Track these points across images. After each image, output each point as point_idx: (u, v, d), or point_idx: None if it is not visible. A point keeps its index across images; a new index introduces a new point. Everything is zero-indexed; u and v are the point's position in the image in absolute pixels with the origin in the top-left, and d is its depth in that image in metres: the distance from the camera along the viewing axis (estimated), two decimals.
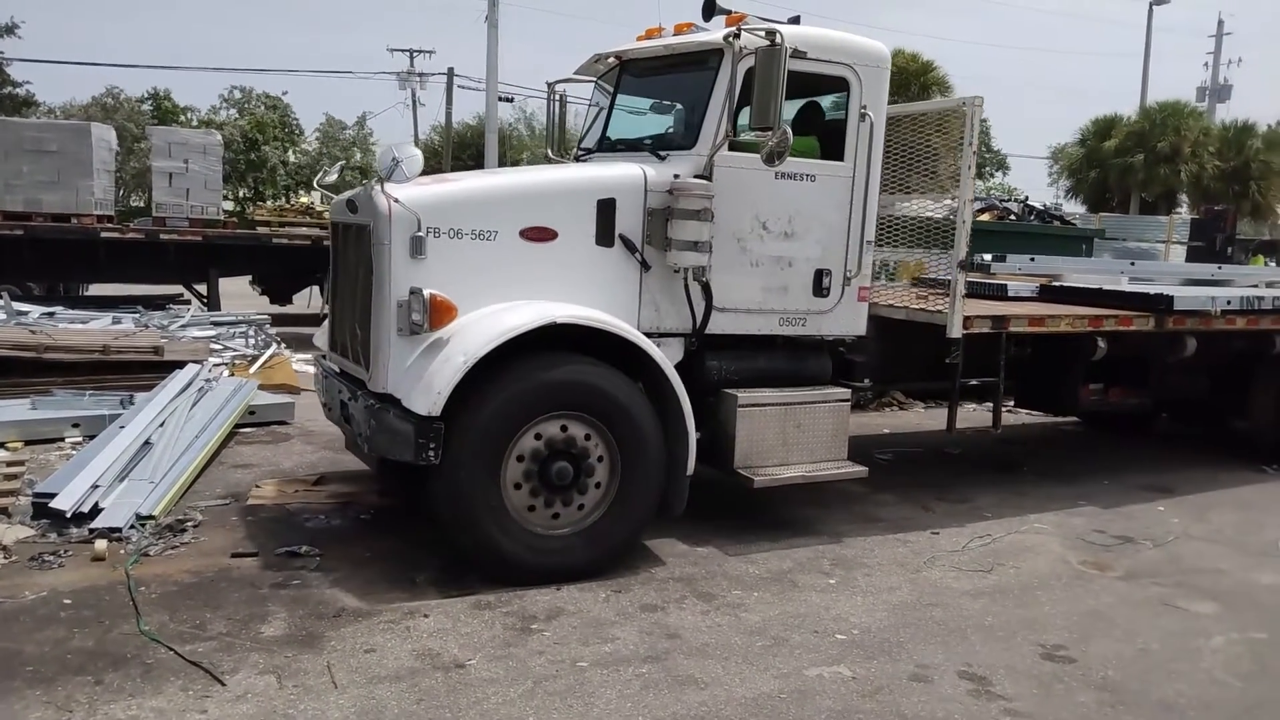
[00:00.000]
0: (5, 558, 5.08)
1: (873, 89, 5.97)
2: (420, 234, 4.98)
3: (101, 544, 5.21)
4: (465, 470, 4.80)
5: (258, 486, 6.57)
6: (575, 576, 5.08)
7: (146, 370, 9.13)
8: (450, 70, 37.78)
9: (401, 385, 4.94)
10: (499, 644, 4.32)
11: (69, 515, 5.54)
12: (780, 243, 5.86)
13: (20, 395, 8.20)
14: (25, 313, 11.46)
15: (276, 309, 15.93)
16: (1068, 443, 9.61)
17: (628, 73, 6.43)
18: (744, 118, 5.54)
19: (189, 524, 5.71)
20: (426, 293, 4.88)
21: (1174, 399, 8.62)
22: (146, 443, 6.73)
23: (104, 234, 13.64)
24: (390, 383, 5.01)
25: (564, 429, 5.06)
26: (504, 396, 4.86)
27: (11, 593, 4.64)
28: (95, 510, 5.65)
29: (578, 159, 6.71)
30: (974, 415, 10.00)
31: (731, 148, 5.58)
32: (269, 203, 27.44)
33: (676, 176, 5.48)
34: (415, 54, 42.45)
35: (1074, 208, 35.25)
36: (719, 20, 5.81)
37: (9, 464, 6.50)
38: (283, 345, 12.28)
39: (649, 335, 5.36)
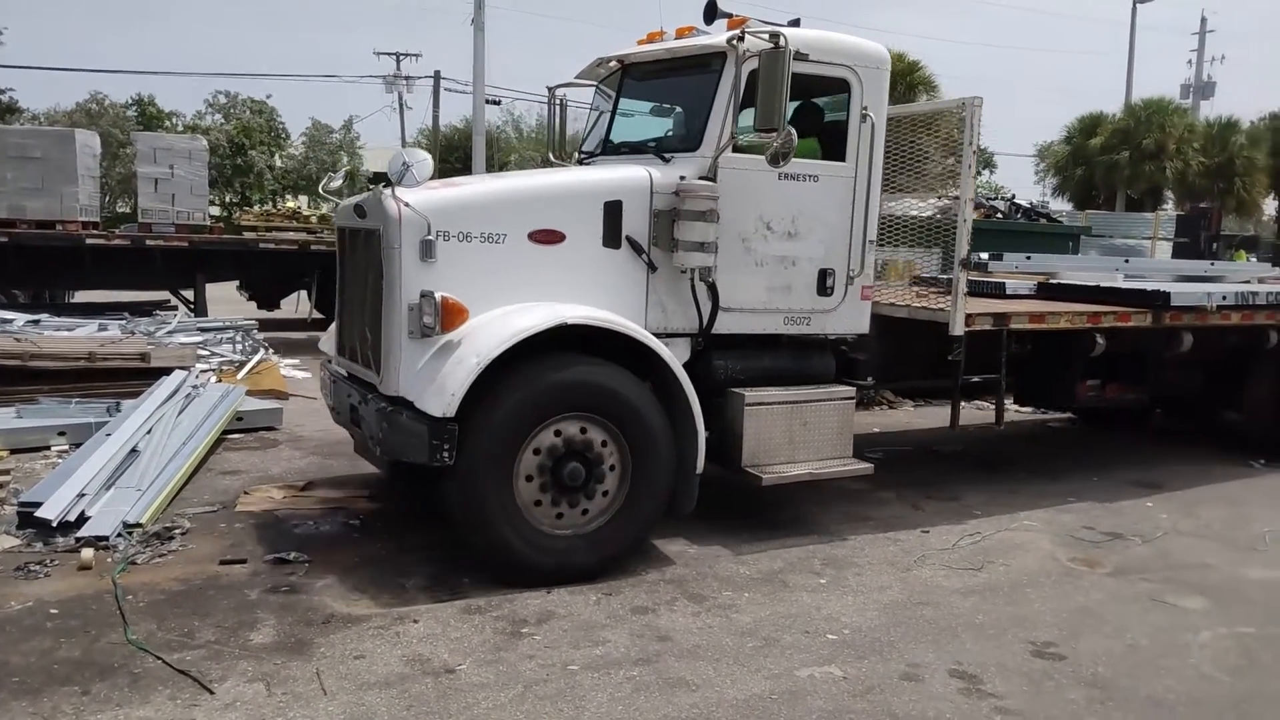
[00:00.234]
0: None
1: (873, 90, 6.04)
2: (430, 238, 5.01)
3: (88, 553, 5.17)
4: (478, 471, 4.84)
5: (246, 493, 6.54)
6: (586, 576, 5.11)
7: (133, 377, 9.08)
8: (437, 73, 37.84)
9: (413, 388, 4.97)
10: (489, 648, 4.31)
11: (55, 524, 5.50)
12: (784, 243, 5.92)
13: (6, 403, 8.15)
14: (10, 320, 11.40)
15: (264, 314, 15.89)
16: (1056, 440, 9.65)
17: (630, 76, 6.48)
18: (745, 119, 5.58)
19: (177, 531, 5.68)
20: (438, 295, 4.92)
21: (1169, 394, 8.68)
22: (133, 450, 6.69)
23: (89, 240, 13.57)
24: (402, 385, 5.04)
25: (576, 430, 5.10)
26: (517, 398, 4.90)
27: None
28: (82, 519, 5.61)
29: (581, 162, 6.74)
30: (973, 414, 10.05)
31: (734, 149, 5.64)
32: (255, 207, 27.29)
33: (682, 178, 5.53)
34: (402, 57, 42.40)
35: (1061, 205, 35.40)
36: (719, 24, 5.87)
37: None
38: (270, 350, 12.26)
39: (656, 335, 5.40)
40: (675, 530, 5.82)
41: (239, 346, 11.80)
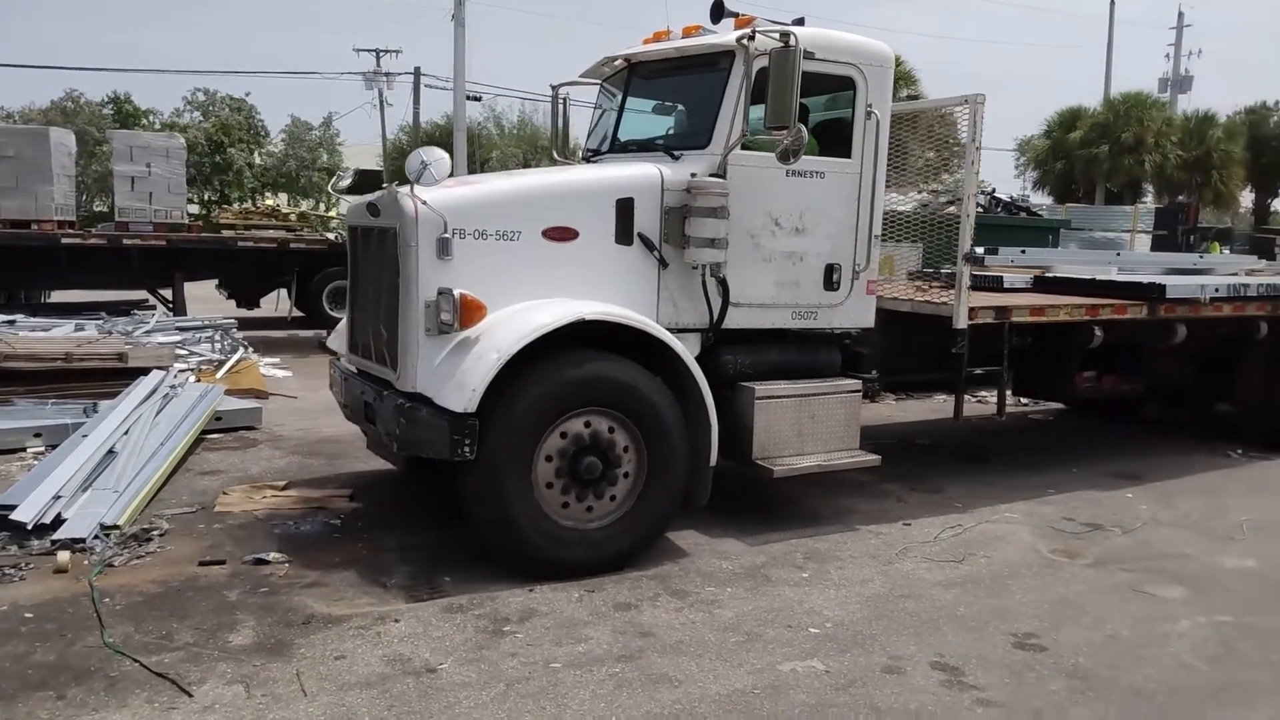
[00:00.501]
0: None
1: (878, 88, 6.12)
2: (447, 235, 5.06)
3: (64, 555, 5.11)
4: (498, 465, 4.88)
5: (225, 493, 6.48)
6: (604, 569, 5.16)
7: (110, 377, 8.99)
8: (417, 69, 37.60)
9: (431, 384, 5.00)
10: (471, 647, 4.29)
11: (30, 527, 5.43)
12: (792, 238, 6.00)
13: None
14: None
15: (243, 313, 15.78)
16: (1037, 432, 9.70)
17: (637, 75, 6.53)
18: (751, 117, 5.62)
19: (155, 533, 5.62)
20: (457, 293, 4.95)
21: (1162, 385, 8.80)
22: (110, 451, 6.63)
23: (65, 240, 13.44)
24: (419, 382, 5.07)
25: (592, 424, 5.15)
26: (536, 393, 4.94)
27: None
28: (58, 521, 5.55)
29: (588, 160, 6.78)
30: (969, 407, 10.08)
31: (742, 146, 5.68)
32: (235, 206, 27.11)
33: (693, 175, 5.59)
34: (382, 54, 42.15)
35: (1041, 199, 35.60)
36: (726, 23, 5.98)
37: None
38: (249, 349, 12.16)
39: (668, 331, 5.44)
40: None
41: (218, 345, 11.70)
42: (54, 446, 7.00)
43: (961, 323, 6.45)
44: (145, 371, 8.70)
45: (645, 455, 5.27)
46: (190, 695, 3.79)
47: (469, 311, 4.97)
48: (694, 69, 6.11)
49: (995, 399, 7.42)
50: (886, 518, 6.44)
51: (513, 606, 4.74)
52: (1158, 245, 20.93)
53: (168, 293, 14.78)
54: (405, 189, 5.16)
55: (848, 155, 6.12)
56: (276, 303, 16.23)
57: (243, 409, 8.71)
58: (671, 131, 6.41)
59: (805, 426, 5.95)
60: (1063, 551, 5.90)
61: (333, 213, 27.25)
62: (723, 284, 5.75)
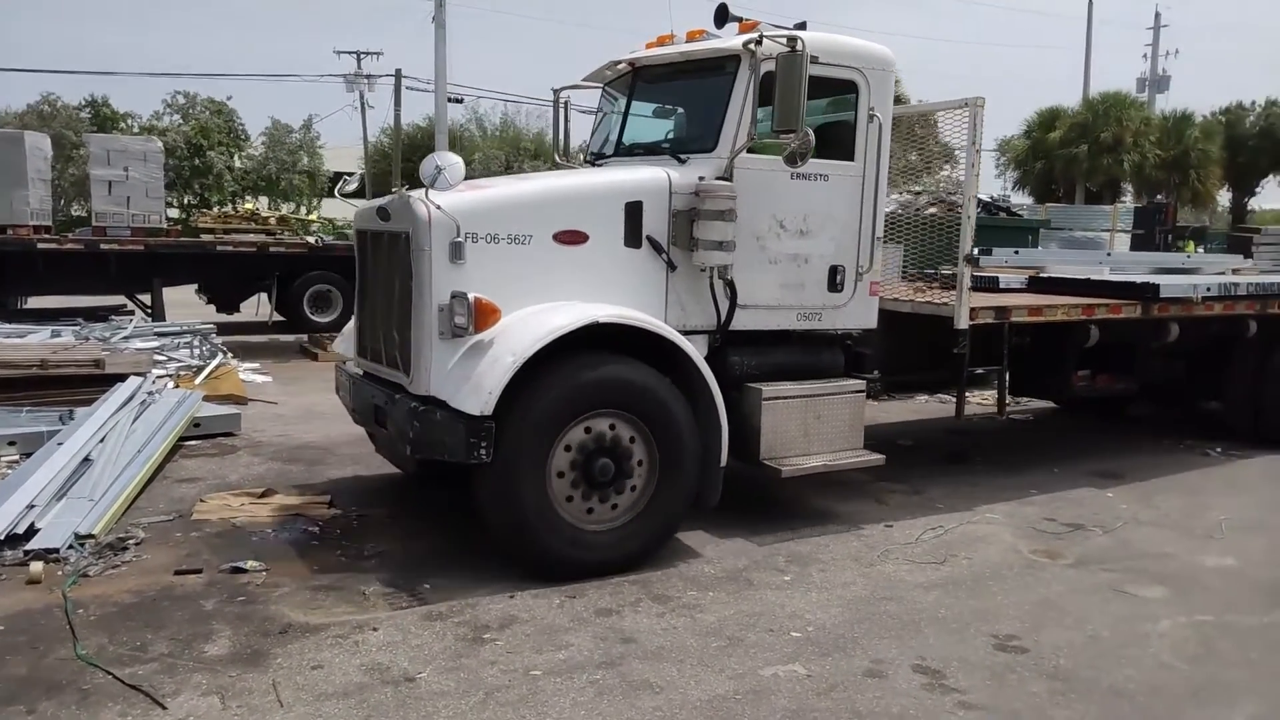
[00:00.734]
0: None
1: (880, 91, 6.18)
2: (459, 239, 5.08)
3: (37, 566, 5.04)
4: (514, 468, 4.91)
5: (202, 501, 6.41)
6: (616, 570, 5.20)
7: (87, 384, 8.88)
8: (398, 71, 37.42)
9: (446, 387, 5.02)
10: (450, 655, 4.25)
11: (3, 537, 5.34)
12: (797, 241, 6.06)
13: None
14: None
15: (224, 317, 15.67)
16: (1018, 432, 9.72)
17: (642, 78, 6.57)
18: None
19: (130, 542, 5.55)
20: (471, 296, 4.98)
21: (1154, 383, 8.89)
22: (86, 459, 6.54)
23: (40, 245, 13.31)
24: (433, 385, 5.09)
25: (606, 426, 5.20)
26: (552, 395, 4.98)
27: None
28: (31, 531, 5.46)
29: (592, 163, 6.79)
30: (938, 406, 10.11)
31: (748, 150, 5.72)
32: (215, 209, 26.92)
33: (701, 179, 5.63)
34: (363, 56, 41.98)
35: (1021, 199, 35.80)
36: (730, 27, 6.05)
37: None
38: (229, 355, 12.07)
39: (677, 333, 5.48)
40: None
41: (197, 351, 11.60)
42: (28, 455, 6.90)
43: (963, 323, 6.54)
44: (122, 378, 8.60)
45: (657, 457, 5.32)
46: (164, 708, 3.74)
47: (483, 315, 5.00)
48: (700, 73, 6.16)
49: (985, 399, 7.45)
50: (868, 519, 6.44)
51: (493, 614, 4.71)
52: (1136, 244, 21.09)
53: (146, 298, 14.67)
54: (417, 193, 5.17)
55: (850, 158, 6.19)
56: (257, 307, 16.13)
57: (221, 415, 8.63)
58: (676, 135, 6.44)
59: (811, 427, 6.02)
60: (1044, 552, 5.91)
61: (313, 216, 27.12)
62: (730, 286, 5.80)
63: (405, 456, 5.45)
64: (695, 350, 5.45)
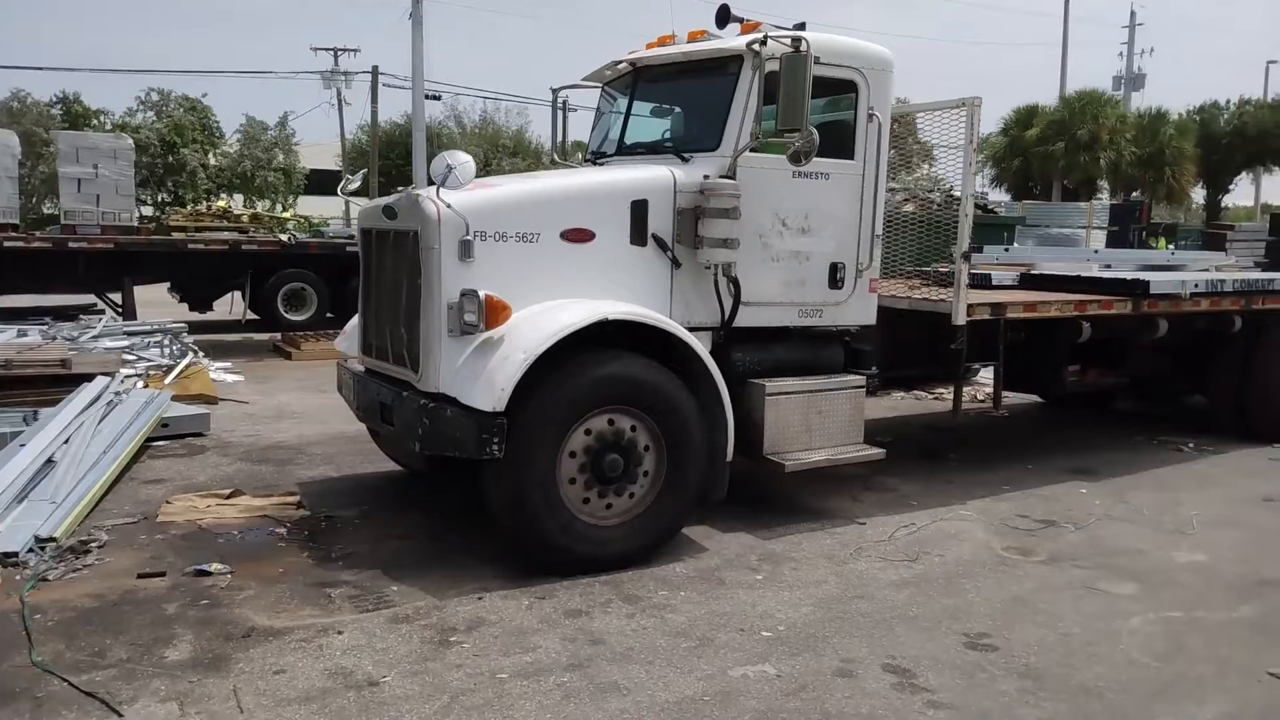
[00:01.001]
0: None
1: (879, 91, 6.26)
2: (469, 238, 5.12)
3: None
4: (525, 463, 4.95)
5: (168, 502, 6.32)
6: (626, 564, 5.26)
7: (54, 384, 8.74)
8: (375, 68, 37.13)
9: (456, 384, 5.06)
10: (415, 659, 4.19)
11: None
12: (798, 238, 6.12)
13: None
14: None
15: (196, 316, 15.51)
16: (993, 428, 9.73)
17: (644, 78, 6.62)
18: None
19: (93, 545, 5.46)
20: (482, 294, 5.00)
21: (1142, 378, 9.01)
22: (49, 461, 6.44)
23: (7, 244, 13.11)
24: (443, 382, 5.12)
25: (615, 422, 5.24)
26: (563, 391, 5.02)
27: None
28: None
29: (594, 162, 6.82)
30: (914, 403, 10.11)
31: (750, 149, 5.76)
32: (189, 207, 26.64)
33: (706, 177, 5.67)
34: (340, 52, 41.66)
35: (999, 196, 35.97)
36: (731, 27, 6.14)
37: None
38: (200, 354, 11.93)
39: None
40: None
41: (167, 350, 11.45)
42: None
43: (961, 319, 6.59)
44: (90, 378, 8.48)
45: (665, 452, 5.36)
46: (120, 715, 3.66)
47: (494, 312, 5.02)
48: (703, 72, 6.21)
49: (971, 395, 7.46)
50: (842, 516, 6.42)
51: (461, 616, 4.64)
52: (1111, 241, 21.22)
53: (117, 297, 14.48)
54: (426, 191, 5.21)
55: (850, 157, 6.25)
56: (230, 306, 15.98)
57: (190, 415, 8.51)
58: (679, 134, 6.47)
59: (813, 422, 6.09)
60: (1017, 549, 5.91)
61: (288, 214, 26.89)
62: (734, 283, 5.83)
63: (413, 453, 5.49)
64: (702, 347, 5.51)
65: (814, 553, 5.72)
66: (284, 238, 15.79)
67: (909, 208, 9.75)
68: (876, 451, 6.33)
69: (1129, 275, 8.28)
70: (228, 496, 6.45)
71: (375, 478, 7.13)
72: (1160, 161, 37.11)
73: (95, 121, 36.10)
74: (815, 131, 5.53)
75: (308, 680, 3.97)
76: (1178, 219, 41.18)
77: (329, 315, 15.76)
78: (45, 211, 31.50)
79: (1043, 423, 10.03)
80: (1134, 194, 37.51)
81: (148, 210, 31.68)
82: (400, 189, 5.60)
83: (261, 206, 34.26)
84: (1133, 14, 46.56)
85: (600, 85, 7.08)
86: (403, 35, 26.39)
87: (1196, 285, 8.22)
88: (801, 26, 6.02)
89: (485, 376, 4.92)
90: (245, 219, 17.16)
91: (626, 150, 6.59)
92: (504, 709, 3.79)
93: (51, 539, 5.40)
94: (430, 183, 5.14)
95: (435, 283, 5.13)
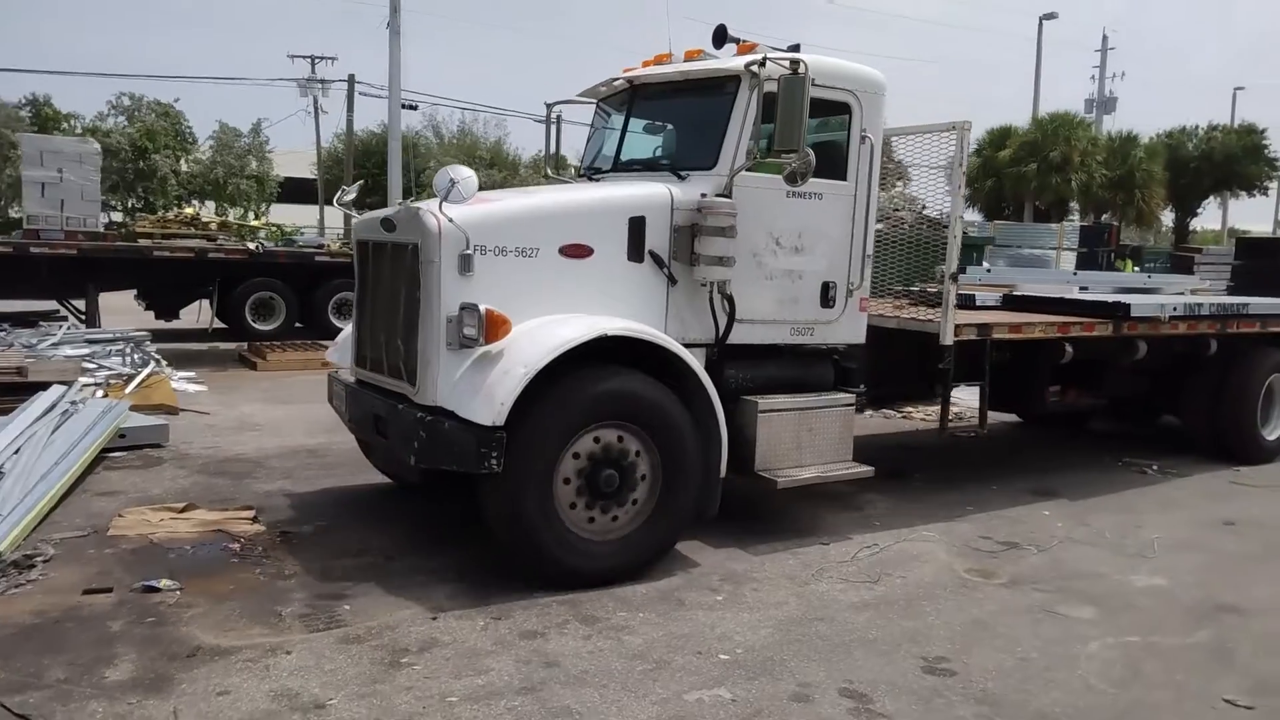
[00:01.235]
0: None
1: (872, 113, 6.36)
2: (469, 252, 5.14)
3: None
4: (522, 477, 4.96)
5: (120, 516, 6.18)
6: (621, 579, 5.29)
7: (10, 392, 8.62)
8: (351, 77, 36.99)
9: (454, 397, 5.06)
10: (364, 681, 4.10)
11: None
12: (792, 257, 6.20)
13: None
14: None
15: (163, 325, 15.30)
16: (958, 449, 9.74)
17: (641, 96, 6.68)
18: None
19: (38, 559, 5.33)
20: (483, 308, 5.01)
21: (1119, 399, 9.11)
22: None
23: None
24: (441, 396, 5.12)
25: (612, 437, 5.27)
26: (562, 406, 5.04)
27: None
28: None
29: (589, 179, 6.83)
30: (882, 421, 10.08)
31: (746, 168, 5.82)
32: (160, 213, 26.34)
33: (703, 195, 5.73)
34: (317, 60, 41.50)
35: (972, 216, 36.26)
36: (728, 48, 6.27)
37: None
38: (164, 363, 11.75)
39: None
40: None
41: (128, 359, 11.26)
42: None
43: (948, 339, 6.68)
44: (46, 386, 8.32)
45: (661, 468, 5.39)
46: None
47: (494, 326, 5.03)
48: (700, 92, 6.26)
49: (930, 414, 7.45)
50: (806, 536, 6.38)
51: (413, 636, 4.56)
52: (1081, 262, 21.43)
53: (81, 303, 14.26)
54: (427, 205, 5.22)
55: (843, 178, 6.32)
56: (198, 314, 15.78)
57: (148, 426, 8.36)
58: (675, 152, 6.48)
59: (804, 439, 6.14)
60: (978, 571, 5.90)
61: (259, 222, 26.64)
62: (729, 300, 5.89)
63: (408, 466, 5.46)
64: (698, 363, 5.55)
65: (776, 573, 5.67)
66: (251, 246, 15.63)
67: (879, 226, 9.78)
68: (865, 469, 6.37)
69: (1110, 298, 8.41)
70: (182, 510, 6.32)
71: (334, 493, 7.03)
72: (1130, 184, 37.59)
73: (65, 125, 35.68)
74: (812, 152, 5.61)
75: (251, 702, 3.87)
76: (1147, 241, 41.74)
77: (298, 325, 15.62)
78: (13, 215, 31.05)
79: (1011, 443, 10.06)
80: (1104, 216, 37.96)
81: (118, 216, 31.31)
82: (400, 202, 5.58)
83: (234, 214, 33.96)
84: (1105, 38, 47.24)
85: (595, 101, 7.15)
86: (382, 44, 26.25)
87: (1175, 309, 8.34)
88: (796, 48, 6.11)
89: (485, 390, 4.92)
90: (214, 226, 16.97)
91: (622, 166, 6.64)
92: None
93: None
94: (407, 191, 5.14)
95: (435, 296, 5.13)
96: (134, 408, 8.80)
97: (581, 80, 20.06)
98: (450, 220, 5.08)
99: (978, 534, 6.63)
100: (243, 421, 9.43)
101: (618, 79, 6.79)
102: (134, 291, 15.51)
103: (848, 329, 6.52)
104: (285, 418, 9.66)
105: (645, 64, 6.74)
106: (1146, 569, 6.08)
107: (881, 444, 9.55)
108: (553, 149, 7.80)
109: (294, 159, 44.69)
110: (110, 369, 10.69)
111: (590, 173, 6.93)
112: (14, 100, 36.05)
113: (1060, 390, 8.34)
